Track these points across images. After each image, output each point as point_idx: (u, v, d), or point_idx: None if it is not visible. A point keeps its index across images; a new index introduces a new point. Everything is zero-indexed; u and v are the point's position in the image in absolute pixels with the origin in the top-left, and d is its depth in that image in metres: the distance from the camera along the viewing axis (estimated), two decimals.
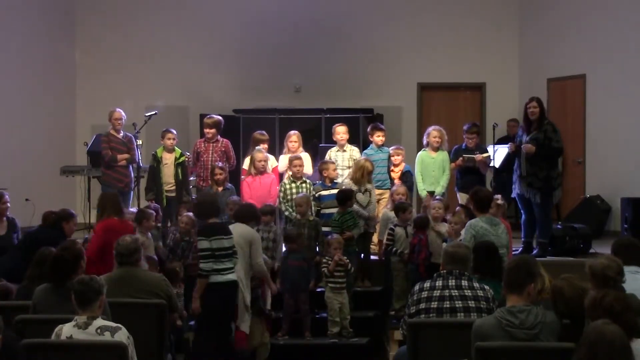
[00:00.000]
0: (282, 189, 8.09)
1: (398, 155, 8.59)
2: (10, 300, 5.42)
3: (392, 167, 8.63)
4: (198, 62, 12.11)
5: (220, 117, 9.00)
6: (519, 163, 8.08)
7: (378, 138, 8.65)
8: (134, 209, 7.99)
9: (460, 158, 8.45)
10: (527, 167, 7.98)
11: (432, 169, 8.49)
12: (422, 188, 8.44)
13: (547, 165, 7.96)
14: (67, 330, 4.18)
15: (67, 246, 5.22)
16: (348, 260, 7.03)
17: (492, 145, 8.83)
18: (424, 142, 8.71)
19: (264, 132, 8.87)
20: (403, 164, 8.65)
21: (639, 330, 3.67)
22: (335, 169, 8.13)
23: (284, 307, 7.14)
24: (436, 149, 8.54)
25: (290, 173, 8.18)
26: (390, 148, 8.70)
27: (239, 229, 6.34)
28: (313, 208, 7.81)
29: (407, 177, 8.52)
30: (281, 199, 8.05)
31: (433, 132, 8.58)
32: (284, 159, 8.57)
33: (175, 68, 12.05)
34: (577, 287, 4.22)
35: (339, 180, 8.24)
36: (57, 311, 4.69)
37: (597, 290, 3.97)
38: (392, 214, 7.71)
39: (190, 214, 7.55)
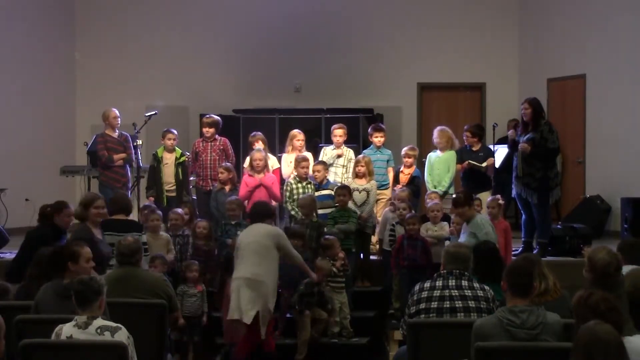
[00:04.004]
0: (289, 188, 8.09)
1: (409, 157, 8.53)
2: (8, 300, 5.43)
3: (402, 169, 8.60)
4: (198, 62, 12.12)
5: (218, 117, 9.01)
6: (516, 163, 8.09)
7: (376, 139, 8.66)
8: None
9: (466, 162, 8.44)
10: (523, 167, 7.99)
11: (436, 167, 8.49)
12: (432, 188, 8.39)
13: (543, 166, 7.97)
14: (67, 330, 4.18)
15: (67, 245, 5.28)
16: (346, 260, 7.07)
17: (492, 145, 8.84)
18: (435, 142, 8.71)
19: (255, 133, 8.84)
20: (414, 167, 8.57)
21: (623, 328, 3.68)
22: (321, 170, 8.09)
23: (280, 306, 7.13)
24: (443, 149, 8.55)
25: (296, 173, 8.17)
26: (404, 149, 8.68)
27: (252, 237, 6.30)
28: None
29: (416, 182, 8.46)
30: (287, 198, 8.05)
31: (434, 133, 8.61)
32: (289, 159, 8.57)
33: (175, 68, 12.05)
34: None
35: (331, 179, 8.29)
36: (59, 311, 4.69)
37: (584, 290, 3.99)
38: (393, 215, 7.71)
39: (179, 210, 7.57)
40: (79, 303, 4.22)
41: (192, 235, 7.45)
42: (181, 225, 7.44)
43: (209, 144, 8.80)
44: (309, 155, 8.57)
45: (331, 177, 8.39)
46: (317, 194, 7.94)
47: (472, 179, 8.40)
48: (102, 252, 5.95)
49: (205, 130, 8.85)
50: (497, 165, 8.78)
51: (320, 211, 7.79)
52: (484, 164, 8.40)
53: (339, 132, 8.68)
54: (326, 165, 8.25)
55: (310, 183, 8.09)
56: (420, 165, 8.96)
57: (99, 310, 4.25)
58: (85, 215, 6.30)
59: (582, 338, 3.38)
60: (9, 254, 8.35)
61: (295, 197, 7.97)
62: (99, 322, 4.20)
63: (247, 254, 6.22)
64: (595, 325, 3.40)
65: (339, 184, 8.06)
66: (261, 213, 6.55)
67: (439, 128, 8.73)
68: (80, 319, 4.20)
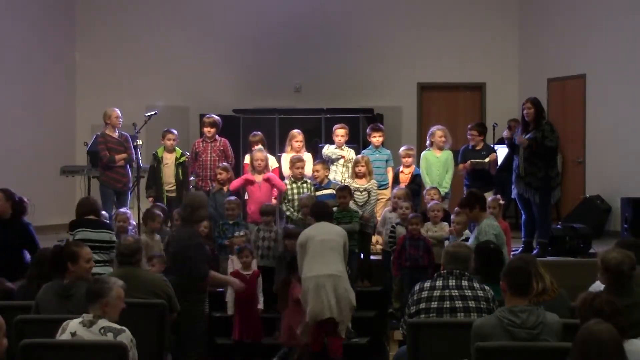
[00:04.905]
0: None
1: (409, 156, 8.56)
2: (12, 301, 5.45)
3: (401, 169, 8.62)
4: (198, 62, 12.12)
5: (219, 117, 9.01)
6: (518, 163, 8.09)
7: (375, 139, 8.66)
8: (125, 209, 7.98)
9: (469, 162, 8.43)
10: (525, 166, 7.99)
11: (436, 168, 8.50)
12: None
13: (545, 165, 7.96)
14: (72, 326, 4.24)
15: (67, 245, 5.31)
16: None
17: (492, 145, 8.85)
18: (428, 142, 8.72)
19: (255, 132, 8.87)
20: (413, 167, 8.60)
21: (628, 332, 3.68)
22: (321, 170, 8.09)
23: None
24: (441, 149, 8.55)
25: (291, 174, 8.18)
26: (401, 148, 8.69)
27: (323, 235, 6.37)
28: None
29: (417, 181, 8.48)
30: (282, 199, 8.05)
31: (438, 132, 8.58)
32: (289, 158, 8.58)
33: (175, 68, 12.05)
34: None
35: (331, 177, 8.30)
36: (59, 311, 4.72)
37: (588, 292, 3.99)
38: (392, 214, 7.71)
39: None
40: (86, 301, 4.33)
41: None
42: None
43: (209, 144, 8.79)
44: (308, 155, 8.57)
45: (331, 176, 8.38)
46: (318, 193, 7.94)
47: (475, 179, 8.39)
48: (207, 252, 6.30)
49: (206, 130, 8.84)
50: (497, 163, 8.78)
51: None
52: (487, 160, 8.41)
53: (340, 132, 8.68)
54: (326, 165, 8.24)
55: (306, 182, 8.09)
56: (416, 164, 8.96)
57: (102, 311, 4.27)
58: (193, 218, 6.16)
59: (580, 337, 3.38)
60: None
61: (290, 197, 7.98)
62: (104, 322, 4.24)
63: (325, 251, 6.26)
64: (594, 325, 3.39)
65: (340, 184, 8.06)
66: (327, 213, 6.63)
67: (440, 127, 8.71)
68: (87, 316, 4.26)
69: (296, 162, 8.11)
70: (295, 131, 8.79)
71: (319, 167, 8.12)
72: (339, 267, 6.26)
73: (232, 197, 7.91)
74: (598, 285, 4.70)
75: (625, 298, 4.18)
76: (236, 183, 8.19)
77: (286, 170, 8.56)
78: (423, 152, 8.72)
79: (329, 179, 8.17)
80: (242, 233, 7.35)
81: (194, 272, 5.91)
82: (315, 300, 6.14)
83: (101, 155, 9.05)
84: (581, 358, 3.33)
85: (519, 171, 8.05)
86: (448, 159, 8.53)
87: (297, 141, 8.65)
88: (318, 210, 6.70)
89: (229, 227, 7.64)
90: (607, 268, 4.43)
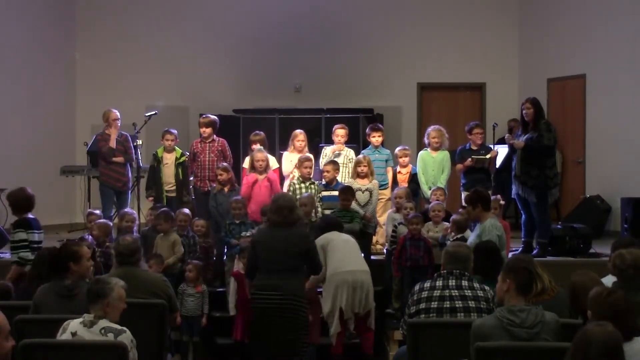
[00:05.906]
0: (292, 188, 8.08)
1: (406, 156, 8.60)
2: (10, 300, 5.44)
3: (398, 169, 8.63)
4: (198, 62, 12.12)
5: (215, 117, 8.99)
6: (515, 163, 8.10)
7: (374, 139, 8.68)
8: (131, 210, 7.99)
9: (470, 159, 8.42)
10: (521, 166, 7.99)
11: (431, 168, 8.52)
12: (426, 189, 8.43)
13: (540, 164, 7.95)
14: (73, 326, 4.24)
15: (67, 245, 5.29)
16: None
17: (492, 145, 8.85)
18: (425, 142, 8.74)
19: (257, 132, 8.88)
20: (410, 166, 8.65)
21: (638, 329, 3.69)
22: (331, 170, 8.09)
23: None
24: (436, 149, 8.56)
25: (299, 173, 8.17)
26: (397, 149, 8.71)
27: (344, 236, 6.59)
28: (319, 209, 7.81)
29: (416, 180, 8.52)
30: None
31: (432, 133, 8.62)
32: (289, 157, 8.57)
33: (175, 68, 12.05)
34: (598, 281, 4.41)
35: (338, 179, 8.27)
36: (59, 311, 4.72)
37: (602, 288, 4.00)
38: (397, 215, 7.70)
39: (186, 210, 7.58)
40: (87, 301, 4.33)
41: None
42: (187, 225, 7.47)
43: (207, 144, 8.77)
44: (309, 156, 8.56)
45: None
46: (326, 194, 7.94)
47: (473, 180, 8.38)
48: None
49: (202, 130, 8.82)
50: (497, 164, 8.79)
51: (327, 211, 7.79)
52: (488, 156, 8.44)
53: (341, 132, 8.70)
54: (336, 166, 8.22)
55: (313, 183, 8.09)
56: (411, 162, 8.96)
57: (103, 312, 4.27)
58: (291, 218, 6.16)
59: (579, 338, 3.37)
60: (9, 254, 8.35)
61: (299, 197, 7.97)
62: (104, 322, 4.24)
63: (352, 250, 6.52)
64: (594, 327, 3.39)
65: (342, 184, 8.05)
66: (338, 224, 6.78)
67: (436, 127, 8.74)
68: (88, 317, 4.26)
69: (304, 162, 8.11)
70: (298, 131, 8.80)
71: (329, 167, 8.11)
72: (366, 265, 6.53)
73: (238, 197, 7.91)
74: (609, 280, 4.76)
75: (633, 295, 4.22)
76: (245, 191, 8.16)
77: (287, 168, 8.57)
78: (420, 153, 8.75)
79: (337, 180, 8.16)
80: (248, 233, 7.34)
81: (318, 269, 6.14)
82: (354, 295, 6.29)
83: (100, 146, 9.01)
84: (579, 359, 3.33)
85: (515, 171, 8.06)
86: (444, 159, 8.55)
87: (298, 140, 8.66)
88: (328, 223, 6.80)
89: (235, 226, 7.64)
90: (614, 265, 4.52)
